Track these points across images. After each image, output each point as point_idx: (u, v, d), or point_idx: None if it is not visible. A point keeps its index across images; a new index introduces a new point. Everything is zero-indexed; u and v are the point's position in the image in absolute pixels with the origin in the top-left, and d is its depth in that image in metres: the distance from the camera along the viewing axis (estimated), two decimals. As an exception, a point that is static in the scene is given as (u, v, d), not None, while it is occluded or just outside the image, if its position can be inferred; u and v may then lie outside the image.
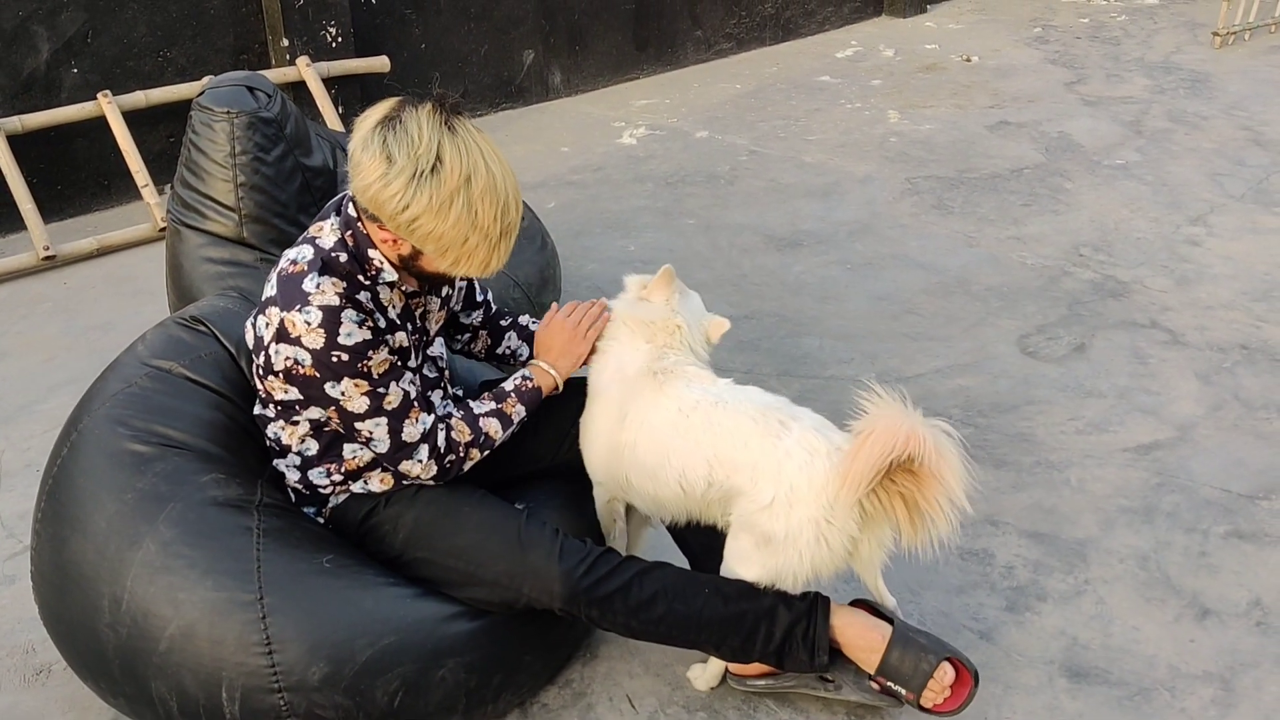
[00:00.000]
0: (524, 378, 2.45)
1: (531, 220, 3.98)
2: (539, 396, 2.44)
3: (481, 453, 2.34)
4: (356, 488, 2.37)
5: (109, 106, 5.08)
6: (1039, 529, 3.03)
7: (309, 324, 2.10)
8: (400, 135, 2.02)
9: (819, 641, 2.29)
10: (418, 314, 2.36)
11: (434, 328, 2.44)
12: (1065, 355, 3.92)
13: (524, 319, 2.69)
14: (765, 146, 6.07)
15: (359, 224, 2.18)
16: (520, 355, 2.66)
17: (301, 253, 2.20)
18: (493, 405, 2.38)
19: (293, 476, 2.38)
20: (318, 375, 2.13)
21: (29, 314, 4.37)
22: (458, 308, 2.59)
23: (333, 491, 2.38)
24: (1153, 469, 3.28)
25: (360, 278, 2.19)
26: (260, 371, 2.25)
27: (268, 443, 2.39)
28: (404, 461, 2.25)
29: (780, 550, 2.23)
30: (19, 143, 4.90)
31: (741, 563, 2.31)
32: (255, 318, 2.26)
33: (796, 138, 6.20)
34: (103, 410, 2.40)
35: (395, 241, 2.14)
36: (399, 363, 2.24)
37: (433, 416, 2.28)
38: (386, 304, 2.25)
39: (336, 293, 2.12)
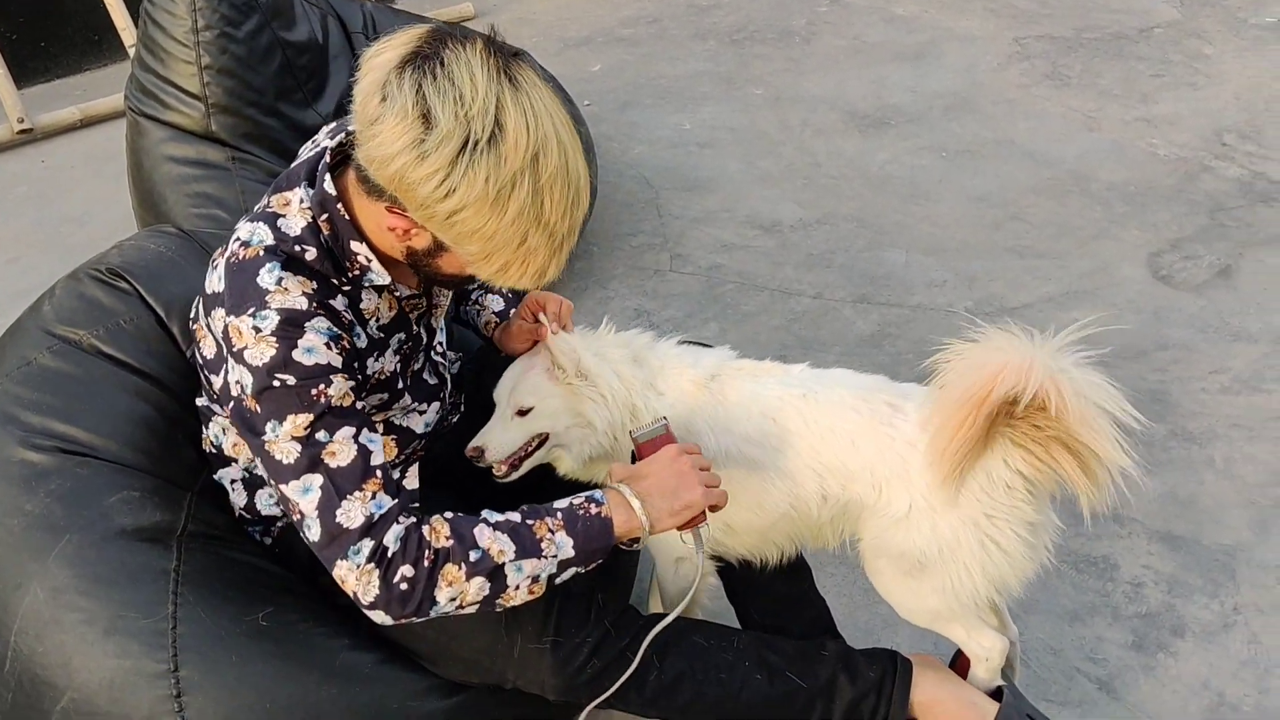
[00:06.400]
0: (588, 498, 1.60)
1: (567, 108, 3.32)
2: (606, 534, 1.58)
3: (469, 579, 1.51)
4: (312, 507, 1.86)
5: (91, -52, 4.43)
6: (1173, 529, 2.45)
7: (258, 331, 1.48)
8: (444, 85, 1.35)
9: (894, 724, 1.78)
10: (414, 317, 1.75)
11: (440, 321, 1.86)
12: (1206, 281, 3.24)
13: None
14: (849, -7, 5.26)
15: (339, 206, 1.56)
16: (474, 319, 2.07)
17: (256, 232, 1.56)
18: (515, 518, 1.57)
19: (238, 500, 1.86)
20: (258, 410, 1.50)
21: (1, 200, 3.86)
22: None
23: (283, 514, 1.86)
24: (1319, 446, 2.66)
25: (335, 280, 1.58)
26: (216, 395, 1.74)
27: (207, 446, 1.86)
28: (337, 560, 1.50)
29: (940, 572, 1.74)
30: (-10, -7, 4.30)
31: (907, 599, 1.83)
32: (201, 314, 1.68)
33: (886, -18, 5.36)
34: (-8, 397, 1.90)
35: (407, 232, 1.50)
36: (366, 406, 1.61)
37: (395, 501, 1.52)
38: (370, 315, 1.65)
39: (304, 293, 1.52)
